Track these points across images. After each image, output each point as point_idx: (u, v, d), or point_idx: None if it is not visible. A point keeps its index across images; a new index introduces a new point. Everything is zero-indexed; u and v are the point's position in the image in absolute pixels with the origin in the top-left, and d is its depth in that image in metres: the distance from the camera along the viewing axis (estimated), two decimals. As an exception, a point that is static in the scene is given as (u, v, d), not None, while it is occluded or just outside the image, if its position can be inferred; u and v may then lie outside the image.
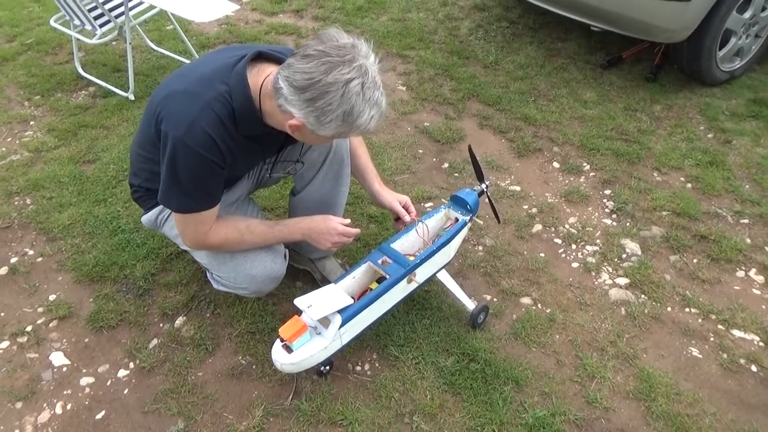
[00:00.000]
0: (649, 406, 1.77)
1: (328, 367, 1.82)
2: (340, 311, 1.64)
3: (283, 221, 1.83)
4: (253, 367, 1.90)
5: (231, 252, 1.77)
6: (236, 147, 1.54)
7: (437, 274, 1.95)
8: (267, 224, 1.78)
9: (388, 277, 1.77)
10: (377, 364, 1.91)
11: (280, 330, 1.61)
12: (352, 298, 1.73)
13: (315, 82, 1.34)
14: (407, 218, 1.91)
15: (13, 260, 2.30)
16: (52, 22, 3.33)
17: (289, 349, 1.62)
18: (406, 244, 1.91)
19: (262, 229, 1.75)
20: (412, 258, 1.83)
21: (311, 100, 1.36)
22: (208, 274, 1.93)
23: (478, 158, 1.98)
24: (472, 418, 1.74)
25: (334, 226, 1.75)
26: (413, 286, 1.86)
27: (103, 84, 3.37)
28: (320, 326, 1.66)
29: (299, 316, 1.65)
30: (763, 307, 2.07)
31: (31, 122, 3.14)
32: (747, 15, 2.95)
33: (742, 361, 1.90)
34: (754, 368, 1.88)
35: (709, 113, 3.01)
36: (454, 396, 1.80)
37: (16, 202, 2.58)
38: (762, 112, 2.98)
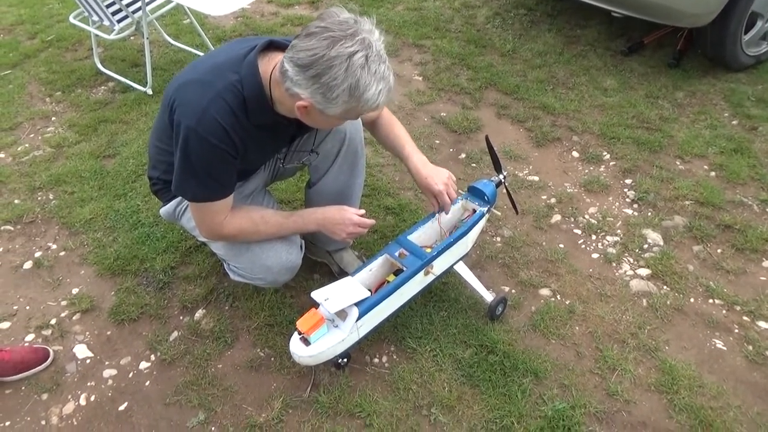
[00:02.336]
0: (672, 399, 1.74)
1: (346, 360, 1.83)
2: (357, 304, 1.64)
3: (298, 212, 1.83)
4: (272, 359, 1.92)
5: (247, 243, 1.78)
6: (247, 136, 1.54)
7: (455, 266, 1.94)
8: (282, 215, 1.79)
9: (405, 269, 1.77)
10: (395, 357, 1.90)
11: (297, 323, 1.62)
12: (369, 290, 1.73)
13: (318, 58, 1.32)
14: (446, 202, 1.78)
15: (38, 254, 2.35)
16: (71, 19, 3.37)
17: (306, 341, 1.63)
18: (423, 235, 1.90)
19: (277, 219, 1.76)
20: (429, 250, 1.82)
21: (316, 76, 1.34)
22: (225, 266, 1.94)
23: (495, 148, 1.96)
24: (490, 411, 1.73)
25: (348, 217, 1.74)
26: (430, 278, 1.85)
27: (122, 79, 3.40)
28: (337, 319, 1.67)
29: (316, 309, 1.65)
30: (790, 297, 2.02)
31: (53, 118, 3.18)
32: (774, -3, 2.87)
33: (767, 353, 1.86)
34: (780, 360, 1.84)
35: (733, 99, 2.93)
36: (472, 388, 1.79)
37: (39, 198, 2.63)
38: (790, 97, 2.90)
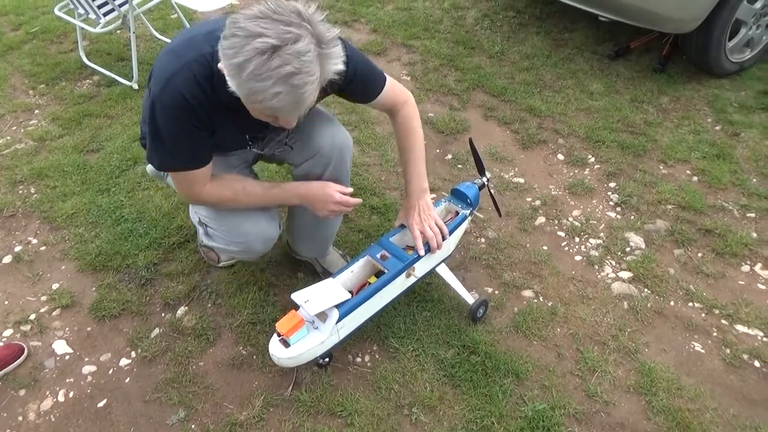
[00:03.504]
0: (650, 401, 1.76)
1: (328, 359, 1.83)
2: (337, 306, 1.64)
3: (281, 184, 1.79)
4: (254, 357, 1.91)
5: (229, 209, 1.76)
6: (213, 111, 1.48)
7: (437, 268, 1.94)
8: (264, 186, 1.76)
9: (386, 271, 1.76)
10: (377, 356, 1.91)
11: (276, 324, 1.61)
12: (351, 292, 1.72)
13: (234, 23, 1.23)
14: (418, 246, 1.80)
15: (17, 249, 2.31)
16: (56, 11, 3.33)
17: (286, 343, 1.62)
18: (405, 236, 1.90)
19: (259, 190, 1.73)
20: (411, 252, 1.82)
21: (224, 38, 1.24)
22: (200, 231, 1.85)
23: (479, 151, 1.96)
24: (471, 411, 1.74)
25: (330, 194, 1.70)
26: (412, 280, 1.85)
27: (108, 73, 3.36)
28: (318, 321, 1.66)
29: (296, 310, 1.64)
30: (768, 302, 2.05)
31: (36, 111, 3.14)
32: (758, 5, 2.90)
33: (745, 356, 1.89)
34: (757, 364, 1.87)
35: (717, 105, 2.97)
36: (453, 388, 1.80)
37: (20, 191, 2.59)
38: (771, 104, 2.94)
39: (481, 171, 1.99)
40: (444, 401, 1.77)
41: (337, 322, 1.64)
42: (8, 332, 2.01)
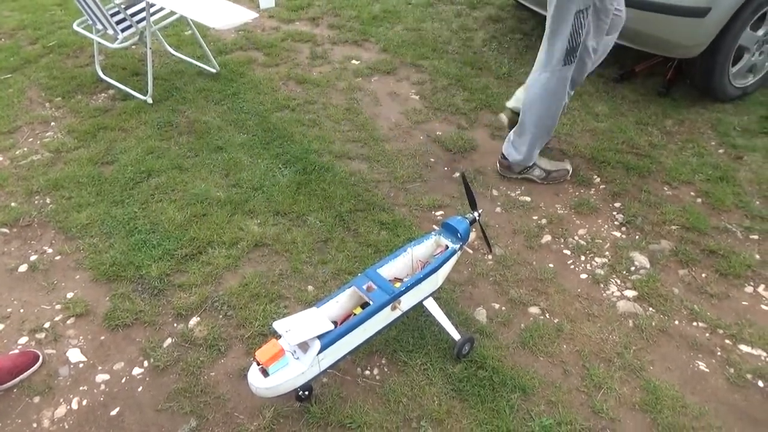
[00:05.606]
0: (655, 418, 1.79)
1: (307, 392, 1.80)
2: (319, 336, 1.61)
3: None
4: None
5: None
6: None
7: (424, 302, 1.92)
8: None
9: (371, 303, 1.74)
10: (386, 369, 1.94)
11: (256, 353, 1.58)
12: (335, 322, 1.70)
13: None
14: None
15: (33, 258, 2.36)
16: (75, 26, 3.41)
17: (265, 372, 1.58)
18: (393, 268, 1.89)
19: None
20: (398, 284, 1.81)
21: None
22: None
23: (471, 187, 1.95)
24: (479, 425, 1.76)
25: None
26: (397, 313, 1.83)
27: (123, 87, 3.44)
28: (299, 351, 1.63)
29: (277, 339, 1.62)
30: (771, 322, 2.08)
31: (52, 123, 3.21)
32: (761, 32, 2.98)
33: (748, 376, 1.91)
34: (760, 383, 1.89)
35: (720, 129, 3.02)
36: (461, 402, 1.83)
37: (36, 201, 2.64)
38: (774, 128, 3.00)
39: (473, 206, 1.99)
40: (452, 415, 1.79)
41: (318, 353, 1.61)
42: (23, 340, 2.04)
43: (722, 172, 2.73)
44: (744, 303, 2.15)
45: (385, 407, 1.82)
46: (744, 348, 2.00)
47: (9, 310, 2.15)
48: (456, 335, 1.92)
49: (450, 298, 2.14)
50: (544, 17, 3.45)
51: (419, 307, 1.92)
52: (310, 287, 2.22)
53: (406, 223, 2.49)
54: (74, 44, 3.99)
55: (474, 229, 2.22)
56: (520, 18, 4.23)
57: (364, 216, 2.53)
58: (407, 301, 1.84)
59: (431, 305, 1.95)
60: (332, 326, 1.67)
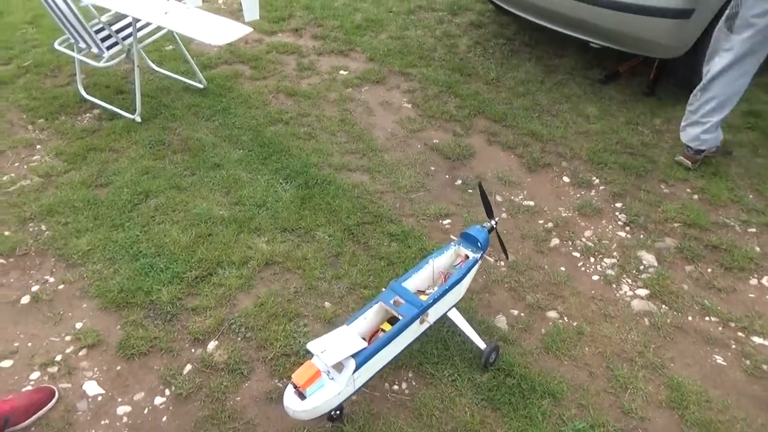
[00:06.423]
0: (683, 415, 1.83)
1: (338, 412, 1.78)
2: (353, 355, 1.61)
3: None
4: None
5: None
6: None
7: (448, 313, 1.93)
8: None
9: (401, 317, 1.74)
10: (414, 383, 1.93)
11: (293, 376, 1.56)
12: (364, 339, 1.70)
13: None
14: None
15: (35, 288, 2.27)
16: (56, 45, 3.30)
17: (302, 395, 1.57)
18: (417, 281, 1.90)
19: None
20: (424, 297, 1.81)
21: None
22: None
23: (487, 195, 1.98)
24: (513, 433, 1.77)
25: None
26: (425, 326, 1.83)
27: (108, 106, 3.34)
28: (333, 371, 1.61)
29: (311, 360, 1.60)
30: (778, 313, 2.15)
31: (38, 146, 3.10)
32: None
33: (764, 366, 1.97)
34: (776, 373, 1.96)
35: (707, 126, 3.12)
36: (493, 411, 1.83)
37: (31, 229, 2.55)
38: (757, 123, 3.11)
39: (490, 214, 2.01)
40: (486, 425, 1.80)
41: (353, 372, 1.61)
42: (35, 375, 1.96)
43: (714, 168, 2.82)
44: (751, 295, 2.22)
45: (417, 421, 1.81)
46: (756, 339, 2.06)
47: (16, 344, 2.06)
48: (482, 344, 1.93)
49: (469, 307, 2.14)
50: (527, 21, 3.52)
51: (442, 318, 1.92)
52: (327, 304, 2.20)
53: (416, 233, 2.49)
54: (51, 63, 3.87)
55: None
56: (501, 23, 4.29)
57: (372, 228, 2.52)
58: (434, 313, 1.84)
59: (455, 316, 1.95)
60: (365, 344, 1.65)
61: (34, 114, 3.35)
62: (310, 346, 1.60)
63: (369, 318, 1.79)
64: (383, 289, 1.90)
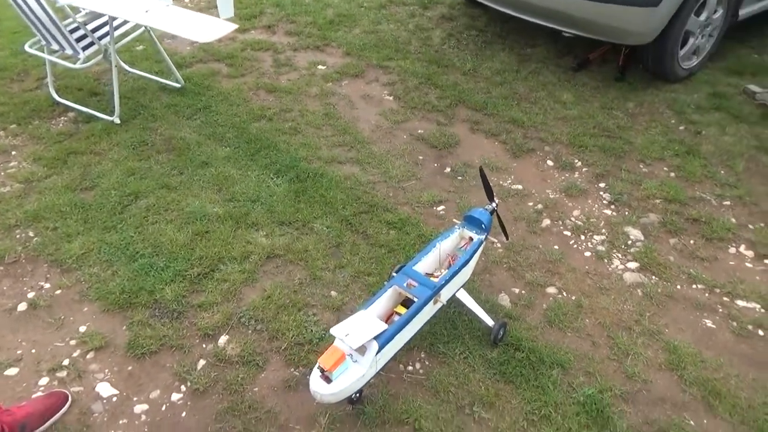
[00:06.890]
0: (682, 375, 1.94)
1: (358, 394, 1.82)
2: (376, 337, 1.65)
3: None
4: (307, 377, 1.92)
5: None
6: None
7: (456, 294, 1.99)
8: None
9: (415, 299, 1.79)
10: (427, 362, 1.98)
11: (319, 360, 1.59)
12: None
13: None
14: None
15: (30, 295, 2.22)
16: (26, 48, 3.20)
17: (328, 379, 1.60)
18: (425, 264, 1.95)
19: None
20: (435, 279, 1.87)
21: None
22: None
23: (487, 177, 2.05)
24: (528, 403, 1.84)
25: None
26: (438, 306, 1.90)
27: (84, 109, 3.27)
28: (356, 354, 1.65)
29: (334, 344, 1.64)
30: (757, 278, 2.30)
31: (13, 152, 3.01)
32: (703, 17, 3.25)
33: (750, 327, 2.11)
34: (760, 332, 2.09)
35: (676, 107, 3.28)
36: (507, 384, 1.90)
37: (18, 236, 2.48)
38: (723, 104, 3.29)
39: (491, 197, 2.07)
40: (501, 397, 1.87)
41: (376, 354, 1.65)
42: (44, 381, 1.92)
43: (687, 147, 2.97)
44: (731, 263, 2.37)
45: (435, 398, 1.87)
46: (740, 302, 2.20)
47: (19, 352, 2.01)
48: (490, 322, 2.00)
49: (473, 287, 2.21)
50: (498, 13, 3.60)
51: (451, 299, 1.98)
52: (333, 293, 2.23)
53: (413, 220, 2.54)
54: (16, 67, 3.74)
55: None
56: (472, 15, 4.38)
57: (369, 218, 2.56)
58: (445, 294, 1.90)
59: (464, 296, 2.02)
60: (385, 326, 1.70)
61: (5, 119, 3.24)
62: (334, 330, 1.63)
63: (383, 302, 1.84)
64: (393, 275, 1.94)
